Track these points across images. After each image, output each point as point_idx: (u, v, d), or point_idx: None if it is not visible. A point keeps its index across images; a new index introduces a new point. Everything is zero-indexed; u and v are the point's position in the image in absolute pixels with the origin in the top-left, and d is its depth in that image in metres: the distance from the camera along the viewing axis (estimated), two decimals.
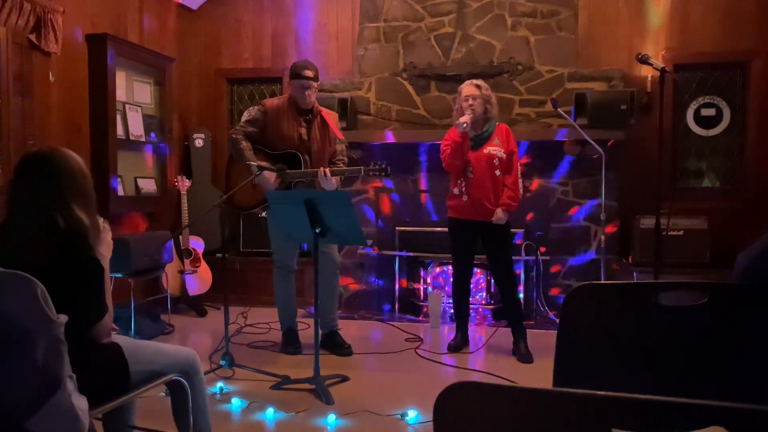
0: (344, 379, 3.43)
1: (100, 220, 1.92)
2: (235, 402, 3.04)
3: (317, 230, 3.16)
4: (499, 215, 3.80)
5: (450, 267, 4.26)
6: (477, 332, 4.49)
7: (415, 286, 5.25)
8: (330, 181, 3.64)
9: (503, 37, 5.13)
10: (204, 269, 5.19)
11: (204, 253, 5.21)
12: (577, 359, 1.36)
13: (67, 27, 4.23)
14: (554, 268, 5.08)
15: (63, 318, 1.59)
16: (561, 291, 5.04)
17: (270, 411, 2.91)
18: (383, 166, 3.55)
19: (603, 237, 4.50)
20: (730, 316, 1.32)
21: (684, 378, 1.32)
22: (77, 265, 1.78)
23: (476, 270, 4.72)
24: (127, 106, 4.95)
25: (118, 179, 4.77)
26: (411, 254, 5.20)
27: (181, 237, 5.04)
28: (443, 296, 4.86)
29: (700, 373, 1.31)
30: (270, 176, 3.69)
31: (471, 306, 4.34)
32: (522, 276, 4.95)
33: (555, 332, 1.39)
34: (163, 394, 2.13)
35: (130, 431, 2.22)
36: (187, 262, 5.10)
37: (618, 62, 5.17)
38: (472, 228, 3.90)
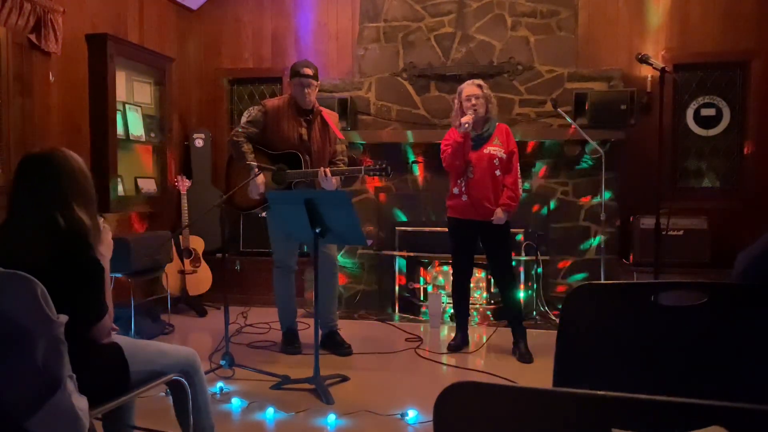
0: (344, 379, 3.43)
1: (100, 220, 1.92)
2: (235, 402, 3.04)
3: (317, 230, 3.16)
4: (499, 215, 3.81)
5: (450, 267, 4.26)
6: (477, 332, 4.50)
7: (415, 286, 5.25)
8: (330, 181, 3.64)
9: (503, 37, 5.13)
10: (204, 269, 5.19)
11: (204, 253, 5.21)
12: (577, 359, 1.36)
13: (67, 27, 4.23)
14: (554, 268, 5.08)
15: (63, 318, 1.59)
16: (561, 291, 5.04)
17: (270, 411, 2.91)
18: (383, 166, 3.55)
19: (603, 237, 4.50)
20: (730, 316, 1.32)
21: (684, 378, 1.32)
22: (77, 265, 1.78)
23: (476, 270, 4.71)
24: (127, 106, 4.95)
25: (118, 179, 4.77)
26: (411, 254, 5.19)
27: (181, 237, 5.05)
28: (443, 296, 4.86)
29: (700, 373, 1.31)
30: (259, 182, 3.69)
31: (471, 306, 4.34)
32: (522, 276, 4.95)
33: (555, 332, 1.39)
34: (163, 394, 2.13)
35: (130, 431, 2.22)
36: (187, 262, 5.10)
37: (618, 62, 5.17)
38: (472, 228, 3.90)
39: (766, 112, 5.07)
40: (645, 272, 4.54)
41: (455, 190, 3.92)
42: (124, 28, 4.98)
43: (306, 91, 3.79)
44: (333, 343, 3.97)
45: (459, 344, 4.06)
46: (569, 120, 4.49)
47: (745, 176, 5.16)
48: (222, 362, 3.44)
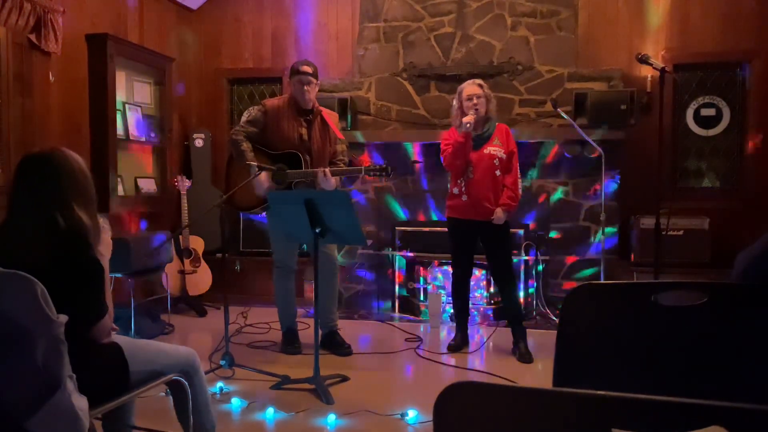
0: (344, 379, 3.43)
1: (100, 219, 1.92)
2: (235, 402, 3.04)
3: (317, 230, 3.16)
4: (499, 215, 3.80)
5: (450, 267, 4.26)
6: (477, 332, 4.49)
7: (415, 286, 5.25)
8: (329, 182, 3.64)
9: (503, 37, 5.13)
10: (204, 269, 5.19)
11: (204, 253, 5.21)
12: (577, 359, 1.36)
13: (67, 27, 4.23)
14: (554, 268, 5.08)
15: (63, 318, 1.59)
16: (561, 291, 5.04)
17: (270, 411, 2.91)
18: (383, 166, 3.56)
19: (603, 237, 4.50)
20: (730, 316, 1.32)
21: (684, 378, 1.32)
22: (77, 264, 1.78)
23: (476, 270, 4.71)
24: (127, 106, 4.95)
25: (118, 179, 4.77)
26: (411, 254, 5.20)
27: (181, 237, 5.05)
28: (443, 296, 4.86)
29: (700, 373, 1.31)
30: (263, 179, 3.68)
31: (471, 306, 4.34)
32: (522, 276, 4.95)
33: (555, 332, 1.39)
34: (163, 394, 2.13)
35: (129, 431, 2.22)
36: (187, 262, 5.10)
37: (618, 62, 5.17)
38: (472, 228, 3.90)
39: (766, 112, 5.07)
40: (645, 272, 4.54)
41: (455, 190, 3.91)
42: (124, 28, 4.98)
43: (305, 88, 3.78)
44: (333, 343, 3.97)
45: (459, 344, 4.06)
46: (569, 120, 4.49)
47: (745, 176, 5.16)
48: (222, 362, 3.44)
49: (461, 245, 3.99)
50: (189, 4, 5.84)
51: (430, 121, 5.23)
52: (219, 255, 5.05)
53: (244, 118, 3.95)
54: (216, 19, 5.93)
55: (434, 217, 5.22)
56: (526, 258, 4.96)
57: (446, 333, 4.50)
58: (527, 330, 3.98)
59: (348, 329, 4.28)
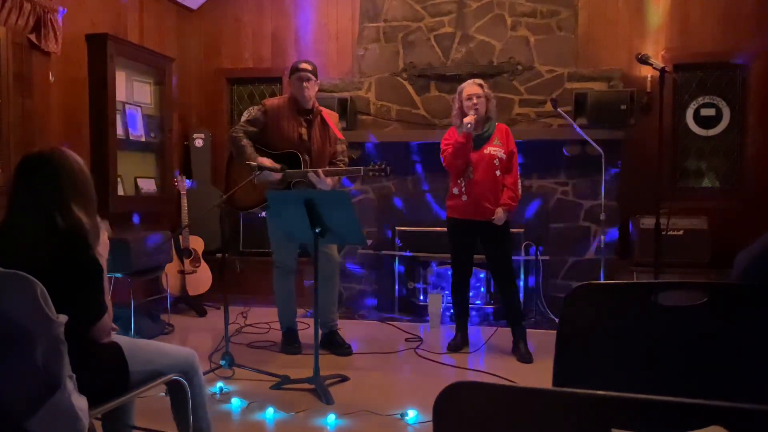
0: (344, 379, 3.43)
1: (100, 219, 1.92)
2: (235, 402, 3.04)
3: (317, 230, 3.16)
4: (500, 215, 3.80)
5: (450, 267, 4.26)
6: (477, 332, 4.49)
7: (415, 286, 5.24)
8: (324, 182, 3.64)
9: (503, 37, 5.13)
10: (204, 269, 5.19)
11: (204, 253, 5.21)
12: (577, 359, 1.36)
13: (67, 27, 4.23)
14: (554, 268, 5.08)
15: (63, 318, 1.59)
16: (561, 291, 5.04)
17: (270, 411, 2.91)
18: (383, 166, 3.55)
19: (603, 237, 4.50)
20: (730, 316, 1.32)
21: (684, 378, 1.31)
22: (77, 265, 1.78)
23: (476, 270, 4.71)
24: (127, 106, 4.95)
25: (118, 179, 4.77)
26: (411, 254, 5.19)
27: (181, 237, 5.05)
28: (443, 296, 4.86)
29: (700, 373, 1.31)
30: (273, 172, 3.68)
31: (471, 306, 4.34)
32: (522, 276, 4.95)
33: (555, 332, 1.39)
34: (163, 394, 2.13)
35: (129, 431, 2.22)
36: (187, 262, 5.10)
37: (618, 62, 5.17)
38: (472, 228, 3.90)
39: (766, 112, 5.07)
40: (645, 272, 4.54)
41: (455, 190, 3.91)
42: (124, 28, 4.98)
43: (304, 84, 3.78)
44: (333, 343, 3.97)
45: (459, 344, 4.06)
46: (569, 120, 4.49)
47: (745, 176, 5.16)
48: (222, 362, 3.44)
49: (461, 245, 3.99)
50: (189, 4, 5.84)
51: (430, 121, 5.23)
52: (219, 255, 5.05)
53: (243, 118, 3.95)
54: (216, 19, 5.93)
55: (434, 217, 5.22)
56: (526, 258, 4.96)
57: (446, 333, 4.50)
58: (527, 330, 3.98)
59: (348, 329, 4.28)
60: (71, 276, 1.76)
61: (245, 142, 3.75)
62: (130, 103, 5.01)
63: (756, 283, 1.35)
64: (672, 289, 1.34)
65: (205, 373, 3.07)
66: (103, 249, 1.91)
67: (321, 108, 3.94)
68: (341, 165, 3.90)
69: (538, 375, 3.56)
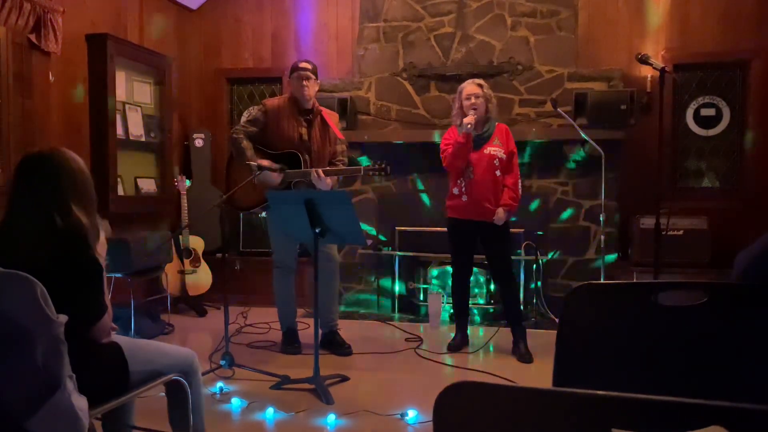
0: (344, 379, 3.43)
1: (99, 219, 1.92)
2: (235, 402, 3.03)
3: (317, 230, 3.16)
4: (500, 215, 3.80)
5: (450, 267, 4.26)
6: (477, 332, 4.49)
7: (415, 286, 5.25)
8: (324, 182, 3.64)
9: (503, 37, 5.13)
10: (204, 269, 5.19)
11: (204, 253, 5.21)
12: (577, 359, 1.36)
13: (67, 27, 4.23)
14: (554, 268, 5.08)
15: (63, 318, 1.59)
16: (561, 291, 5.04)
17: (270, 411, 2.90)
18: (383, 165, 3.55)
19: (603, 237, 4.50)
20: (730, 316, 1.32)
21: (684, 378, 1.32)
22: (77, 265, 1.78)
23: (476, 270, 4.71)
24: (127, 106, 4.95)
25: (118, 179, 4.77)
26: (411, 254, 5.19)
27: (181, 237, 5.05)
28: (443, 296, 4.86)
29: (700, 373, 1.31)
30: (273, 174, 3.68)
31: (471, 306, 4.34)
32: (522, 276, 4.95)
33: (555, 332, 1.39)
34: (163, 394, 2.13)
35: (129, 431, 2.22)
36: (187, 262, 5.10)
37: (618, 62, 5.17)
38: (472, 228, 3.90)
39: (766, 112, 5.07)
40: (645, 272, 4.54)
41: (455, 191, 3.91)
42: (124, 28, 4.98)
43: (304, 83, 3.78)
44: (333, 343, 3.97)
45: (459, 344, 4.06)
46: (569, 120, 4.49)
47: (745, 176, 5.16)
48: (222, 362, 3.44)
49: (461, 245, 3.99)
50: (189, 4, 5.84)
51: (430, 121, 5.24)
52: (219, 255, 5.05)
53: (244, 118, 3.95)
54: (216, 19, 5.93)
55: (435, 217, 5.22)
56: (526, 258, 4.96)
57: (446, 333, 4.50)
58: (527, 330, 3.98)
59: (348, 329, 4.28)
60: (71, 276, 1.76)
61: (245, 144, 3.75)
62: (130, 103, 5.01)
63: (756, 283, 1.35)
64: (672, 289, 1.34)
65: (205, 373, 3.08)
66: (101, 249, 1.91)
67: (321, 108, 3.94)
68: (341, 165, 3.90)
69: (538, 375, 3.56)
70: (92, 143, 4.60)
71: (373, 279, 5.35)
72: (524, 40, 5.11)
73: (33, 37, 3.96)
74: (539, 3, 5.07)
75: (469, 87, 3.85)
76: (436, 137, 4.76)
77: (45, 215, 1.77)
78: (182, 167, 5.70)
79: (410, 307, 5.21)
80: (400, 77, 5.29)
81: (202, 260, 5.18)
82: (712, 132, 5.23)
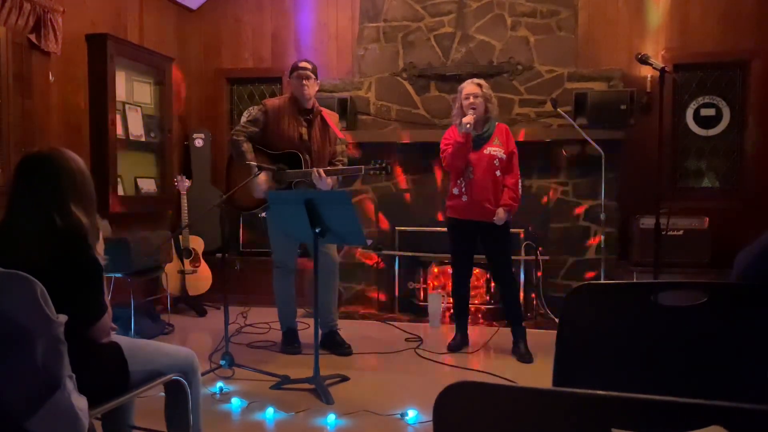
0: (344, 379, 3.43)
1: (99, 219, 1.92)
2: (235, 402, 3.03)
3: (317, 230, 3.16)
4: (501, 215, 3.80)
5: (450, 267, 4.26)
6: (477, 332, 4.49)
7: (415, 286, 5.25)
8: (324, 182, 3.64)
9: (503, 37, 5.13)
10: (204, 269, 5.19)
11: (204, 253, 5.21)
12: (577, 359, 1.36)
13: (67, 27, 4.23)
14: (554, 268, 5.08)
15: (63, 318, 1.59)
16: (561, 291, 5.03)
17: (270, 411, 2.90)
18: (383, 164, 3.55)
19: (603, 237, 4.50)
20: (729, 316, 1.32)
21: (684, 378, 1.32)
22: (77, 264, 1.78)
23: (476, 270, 4.71)
24: (127, 106, 4.95)
25: (118, 179, 4.77)
26: (411, 254, 5.19)
27: (181, 237, 5.05)
28: (443, 296, 4.86)
29: (700, 373, 1.31)
30: (261, 181, 3.68)
31: (471, 306, 4.33)
32: (522, 276, 4.95)
33: (555, 332, 1.39)
34: (163, 394, 2.13)
35: (129, 431, 2.22)
36: (187, 262, 5.10)
37: (618, 62, 5.17)
38: (472, 228, 3.90)
39: (766, 112, 5.07)
40: (645, 272, 4.54)
41: (455, 191, 3.91)
42: (124, 28, 4.98)
43: (304, 82, 3.78)
44: (333, 343, 3.97)
45: (459, 344, 4.06)
46: (569, 120, 4.49)
47: (745, 176, 5.16)
48: (222, 362, 3.44)
49: (461, 245, 3.99)
50: (189, 4, 5.84)
51: (430, 121, 5.24)
52: (219, 255, 5.05)
53: (244, 118, 3.95)
54: (216, 19, 5.93)
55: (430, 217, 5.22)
56: (526, 258, 4.96)
57: (446, 333, 4.50)
58: (527, 330, 3.98)
59: (348, 329, 4.28)
60: (71, 276, 1.76)
61: (245, 147, 3.74)
62: (130, 103, 5.01)
63: (756, 283, 1.35)
64: (672, 289, 1.34)
65: (205, 373, 3.08)
66: (99, 248, 1.91)
67: (321, 108, 3.94)
68: (341, 165, 3.90)
69: (538, 375, 3.55)
70: (92, 143, 4.60)
71: (372, 279, 5.34)
72: (524, 40, 5.11)
73: (33, 37, 3.96)
74: (539, 3, 5.07)
75: (469, 87, 3.85)
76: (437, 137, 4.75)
77: (45, 215, 1.77)
78: (182, 167, 5.70)
79: (410, 307, 5.20)
80: (400, 77, 5.29)
81: (202, 260, 5.18)
82: (712, 132, 5.23)
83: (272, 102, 3.92)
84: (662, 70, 3.19)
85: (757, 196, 5.03)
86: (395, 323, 4.84)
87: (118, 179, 4.77)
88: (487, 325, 4.72)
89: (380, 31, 5.33)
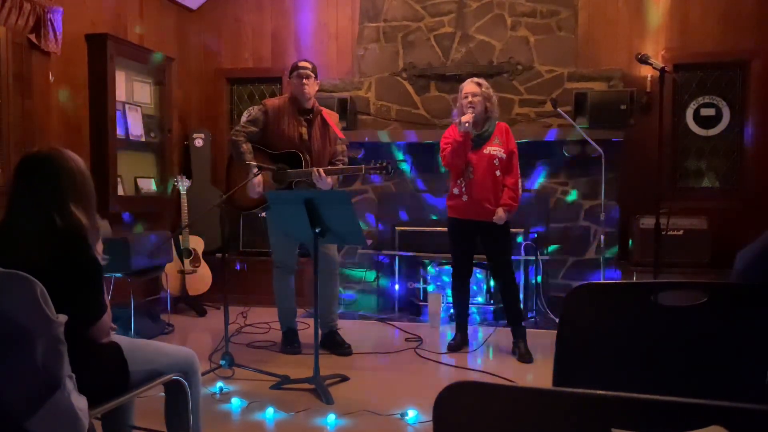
0: (344, 378, 3.43)
1: (99, 219, 1.92)
2: (235, 402, 3.03)
3: (317, 230, 3.16)
4: (501, 215, 3.80)
5: (450, 267, 4.26)
6: (477, 332, 4.49)
7: (415, 286, 5.25)
8: (325, 181, 3.65)
9: (503, 37, 5.13)
10: (204, 269, 5.19)
11: (204, 253, 5.21)
12: (577, 359, 1.36)
13: (67, 27, 4.23)
14: (554, 268, 5.08)
15: (63, 318, 1.59)
16: (561, 291, 5.04)
17: (270, 411, 2.90)
18: (384, 164, 3.55)
19: (603, 237, 4.50)
20: (729, 316, 1.32)
21: (684, 378, 1.32)
22: (76, 264, 1.78)
23: (476, 270, 4.71)
24: (127, 106, 4.95)
25: (118, 179, 4.77)
26: (411, 254, 5.19)
27: (181, 237, 5.05)
28: (443, 296, 4.86)
29: (700, 373, 1.31)
30: (256, 182, 3.68)
31: (471, 306, 4.34)
32: (522, 276, 4.94)
33: (555, 332, 1.39)
34: (163, 394, 2.13)
35: (129, 431, 2.22)
36: (187, 262, 5.10)
37: (618, 62, 5.17)
38: (472, 228, 3.90)
39: (766, 112, 5.07)
40: (645, 272, 4.54)
41: (455, 191, 3.91)
42: (124, 28, 4.98)
43: (304, 81, 3.78)
44: (333, 343, 3.97)
45: (459, 344, 4.06)
46: (569, 120, 4.49)
47: (745, 176, 5.16)
48: (222, 362, 3.44)
49: (461, 245, 3.99)
50: (189, 4, 5.84)
51: (430, 121, 5.24)
52: (219, 255, 5.05)
53: (244, 118, 3.95)
54: (216, 19, 5.93)
55: (433, 217, 5.22)
56: (526, 258, 4.96)
57: (446, 333, 4.50)
58: (527, 330, 3.98)
59: (348, 329, 4.28)
60: (71, 276, 1.76)
61: (245, 147, 3.74)
62: (130, 103, 5.01)
63: (756, 283, 1.35)
64: (672, 289, 1.34)
65: (205, 373, 3.08)
66: (98, 247, 1.91)
67: (321, 108, 3.94)
68: (341, 165, 3.90)
69: (538, 375, 3.56)
70: (92, 143, 4.60)
71: (373, 279, 5.34)
72: (524, 40, 5.11)
73: (33, 37, 3.96)
74: (539, 3, 5.07)
75: (468, 86, 3.85)
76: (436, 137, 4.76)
77: (45, 215, 1.77)
78: (182, 167, 5.70)
79: (410, 307, 5.20)
80: (400, 77, 5.30)
81: (202, 260, 5.18)
82: (712, 132, 5.23)
83: (272, 102, 3.92)
84: (662, 70, 3.19)
85: (757, 196, 5.03)
86: (395, 323, 4.84)
87: (118, 179, 4.77)
88: (487, 325, 4.72)
89: (380, 31, 5.33)
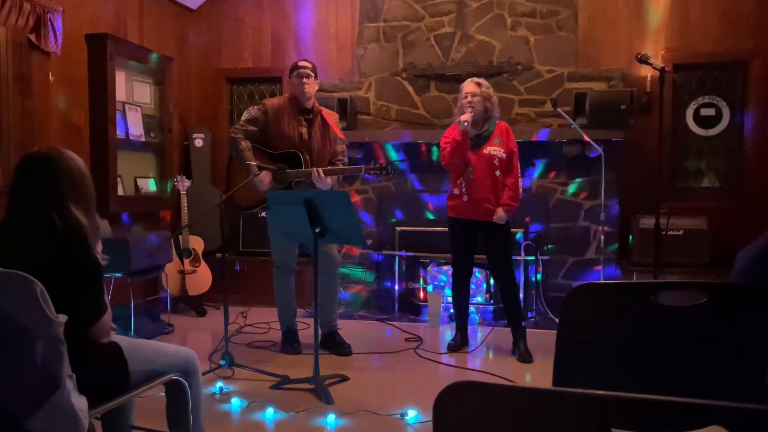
0: (344, 379, 3.43)
1: (99, 219, 1.92)
2: (235, 402, 3.03)
3: (317, 230, 3.16)
4: (500, 215, 3.80)
5: (450, 267, 4.26)
6: (476, 332, 4.49)
7: (415, 286, 5.25)
8: (324, 181, 3.65)
9: (503, 37, 5.13)
10: (204, 269, 5.19)
11: (204, 253, 5.21)
12: (577, 359, 1.36)
13: (67, 27, 4.23)
14: (554, 268, 5.08)
15: (62, 318, 1.59)
16: (561, 291, 5.03)
17: (270, 411, 2.90)
18: (384, 164, 3.55)
19: (603, 237, 4.50)
20: (729, 316, 1.32)
21: (684, 378, 1.32)
22: (76, 264, 1.78)
23: (476, 270, 4.71)
24: (127, 106, 4.95)
25: (118, 179, 4.77)
26: (411, 254, 5.19)
27: (180, 237, 5.05)
28: (443, 296, 4.86)
29: (700, 373, 1.31)
30: (264, 177, 3.68)
31: (471, 306, 4.34)
32: (522, 276, 4.94)
33: (555, 332, 1.39)
34: (163, 394, 2.12)
35: (129, 431, 2.22)
36: (187, 262, 5.10)
37: (618, 62, 5.17)
38: (472, 228, 3.90)
39: (766, 112, 5.07)
40: (645, 272, 4.54)
41: (455, 191, 3.91)
42: (124, 28, 4.98)
43: (304, 81, 3.78)
44: (333, 343, 3.97)
45: (459, 344, 4.06)
46: (569, 120, 4.49)
47: (745, 176, 5.16)
48: (222, 362, 3.44)
49: (461, 245, 3.99)
50: (189, 4, 5.84)
51: (430, 121, 5.24)
52: (219, 255, 5.04)
53: (244, 118, 3.95)
54: (216, 19, 5.93)
55: (430, 217, 5.22)
56: (526, 258, 4.96)
57: (446, 333, 4.50)
58: (527, 330, 3.98)
59: (348, 329, 4.28)
60: (71, 276, 1.76)
61: (243, 145, 3.74)
62: (130, 103, 5.01)
63: (756, 283, 1.35)
64: (672, 289, 1.34)
65: (205, 373, 3.07)
66: (98, 248, 1.91)
67: (321, 108, 3.94)
68: (341, 165, 3.90)
69: (538, 375, 3.56)
70: (92, 143, 4.60)
71: (373, 279, 5.34)
72: (524, 40, 5.11)
73: (33, 37, 3.96)
74: (539, 3, 5.07)
75: (468, 86, 3.85)
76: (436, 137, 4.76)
77: (44, 215, 1.77)
78: (182, 167, 5.70)
79: (410, 307, 5.20)
80: (400, 77, 5.29)
81: (202, 260, 5.18)
82: (711, 132, 5.23)
83: (272, 102, 3.92)
84: (662, 70, 3.19)
85: (757, 196, 5.03)
86: (395, 323, 4.84)
87: (118, 179, 4.77)
88: (487, 325, 4.72)
89: (380, 31, 5.33)
